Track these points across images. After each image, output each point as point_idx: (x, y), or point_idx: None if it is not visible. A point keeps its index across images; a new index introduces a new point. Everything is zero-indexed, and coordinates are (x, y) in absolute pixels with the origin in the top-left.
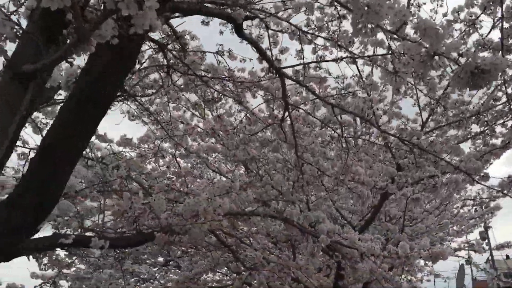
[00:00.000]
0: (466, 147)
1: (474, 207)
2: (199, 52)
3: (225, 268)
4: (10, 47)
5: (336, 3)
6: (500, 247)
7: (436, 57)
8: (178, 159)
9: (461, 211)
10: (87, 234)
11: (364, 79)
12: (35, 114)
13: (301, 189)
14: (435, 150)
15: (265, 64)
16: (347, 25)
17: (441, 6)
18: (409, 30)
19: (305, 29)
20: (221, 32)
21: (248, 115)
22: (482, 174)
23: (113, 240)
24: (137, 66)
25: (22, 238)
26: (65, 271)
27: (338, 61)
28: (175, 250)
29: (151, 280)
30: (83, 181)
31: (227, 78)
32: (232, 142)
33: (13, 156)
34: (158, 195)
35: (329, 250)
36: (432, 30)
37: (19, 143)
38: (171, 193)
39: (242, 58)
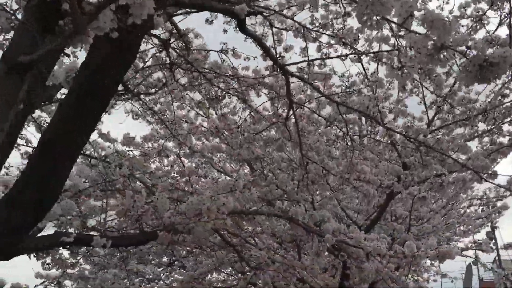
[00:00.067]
0: (473, 146)
1: (481, 207)
2: (202, 51)
3: (230, 268)
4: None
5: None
6: (508, 246)
7: (444, 51)
8: (182, 158)
9: (468, 210)
10: (90, 233)
11: (369, 76)
12: (38, 113)
13: (306, 188)
14: (441, 148)
15: (269, 62)
16: (351, 22)
17: (447, 3)
18: (415, 27)
19: (309, 26)
20: (225, 31)
21: (252, 113)
22: (490, 172)
23: (115, 239)
24: (141, 65)
25: (22, 237)
26: (69, 271)
27: (343, 58)
28: (179, 250)
29: (156, 281)
30: (86, 181)
31: (231, 76)
32: (236, 141)
33: (17, 155)
34: (162, 194)
35: (335, 250)
36: (440, 21)
37: (22, 142)
38: (175, 193)
39: (246, 57)
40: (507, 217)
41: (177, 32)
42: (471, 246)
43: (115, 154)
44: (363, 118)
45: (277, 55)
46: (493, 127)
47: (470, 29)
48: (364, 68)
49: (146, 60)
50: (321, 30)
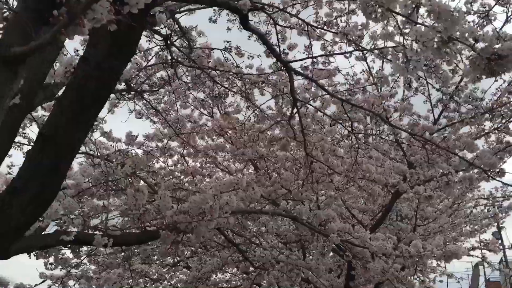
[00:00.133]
0: (480, 144)
1: (487, 207)
2: (206, 49)
3: (235, 269)
4: None
5: None
6: None
7: (451, 44)
8: (186, 158)
9: (474, 210)
10: (91, 232)
11: (374, 74)
12: (41, 112)
13: (311, 187)
14: (448, 146)
15: (273, 60)
16: (356, 20)
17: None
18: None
19: (313, 24)
20: (229, 29)
21: (255, 111)
22: (497, 170)
23: (117, 238)
24: (144, 64)
25: (21, 235)
26: (73, 271)
27: (348, 55)
28: (184, 250)
29: (161, 281)
30: (89, 180)
31: (234, 74)
32: (240, 140)
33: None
34: (164, 192)
35: (340, 250)
36: (447, 13)
37: (24, 141)
38: (178, 192)
39: (249, 55)
40: None
41: (180, 30)
42: (478, 246)
43: (117, 153)
44: (368, 118)
45: (281, 53)
46: (499, 126)
47: (477, 26)
48: (369, 66)
49: (149, 59)
50: (325, 27)
